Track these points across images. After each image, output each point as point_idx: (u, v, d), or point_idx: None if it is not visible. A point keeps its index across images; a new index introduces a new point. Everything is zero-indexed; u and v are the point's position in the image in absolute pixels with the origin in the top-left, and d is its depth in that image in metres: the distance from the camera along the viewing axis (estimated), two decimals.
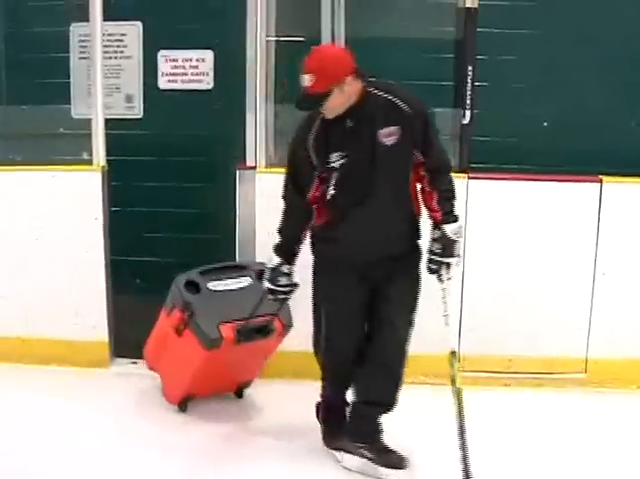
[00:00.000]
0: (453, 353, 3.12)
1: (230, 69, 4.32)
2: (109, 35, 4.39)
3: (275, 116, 4.31)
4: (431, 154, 3.14)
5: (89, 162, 4.23)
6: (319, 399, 3.45)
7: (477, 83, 4.11)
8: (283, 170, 3.24)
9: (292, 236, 3.27)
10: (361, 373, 3.27)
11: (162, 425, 3.66)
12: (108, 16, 4.21)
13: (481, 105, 4.14)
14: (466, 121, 4.10)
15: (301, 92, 3.01)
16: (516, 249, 4.07)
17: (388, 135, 3.09)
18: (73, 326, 4.22)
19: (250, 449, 3.50)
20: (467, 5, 4.09)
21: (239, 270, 3.78)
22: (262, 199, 4.08)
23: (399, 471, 3.20)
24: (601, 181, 4.04)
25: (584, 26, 4.25)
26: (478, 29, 4.12)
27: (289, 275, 3.27)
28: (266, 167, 4.19)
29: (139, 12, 4.39)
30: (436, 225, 3.13)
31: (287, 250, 3.27)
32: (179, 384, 3.74)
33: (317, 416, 3.47)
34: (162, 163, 4.40)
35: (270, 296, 3.34)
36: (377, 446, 3.26)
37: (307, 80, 2.98)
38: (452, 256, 3.10)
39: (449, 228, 3.10)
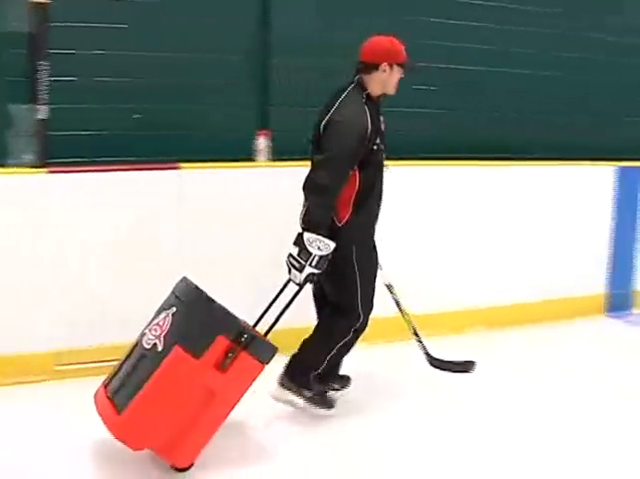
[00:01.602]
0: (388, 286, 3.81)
1: None
2: None
3: None
4: None
5: None
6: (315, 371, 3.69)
7: (58, 78, 4.11)
8: None
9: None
10: None
11: None
12: None
13: (67, 100, 4.14)
14: (42, 116, 4.09)
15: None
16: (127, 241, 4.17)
17: (383, 121, 3.62)
18: None
19: None
20: (38, 0, 4.07)
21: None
22: None
23: None
24: (179, 168, 4.23)
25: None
26: (58, 24, 4.10)
27: None
28: None
29: None
30: None
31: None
32: (211, 431, 3.18)
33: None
34: None
35: (304, 283, 3.45)
36: None
37: None
38: None
39: None
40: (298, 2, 4.71)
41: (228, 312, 3.17)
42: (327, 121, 3.48)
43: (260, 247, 4.33)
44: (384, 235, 3.87)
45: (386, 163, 3.70)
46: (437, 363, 3.86)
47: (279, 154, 4.53)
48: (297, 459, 3.39)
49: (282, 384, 3.67)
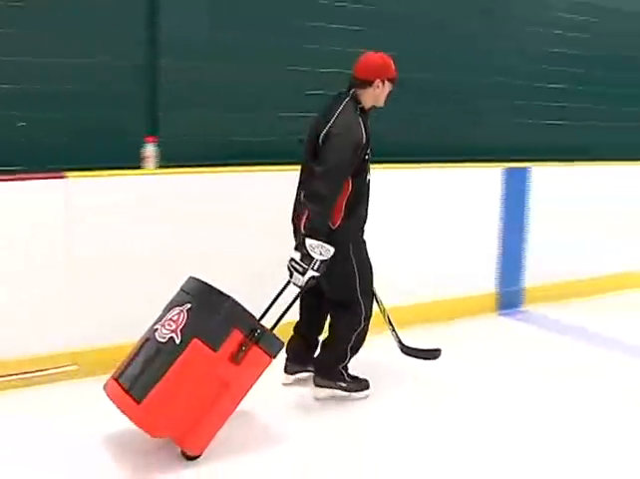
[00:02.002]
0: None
1: None
2: None
3: None
4: None
5: None
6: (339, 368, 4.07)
7: None
8: None
9: None
10: None
11: None
12: None
13: None
14: None
15: None
16: None
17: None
18: None
19: None
20: None
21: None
22: None
23: None
24: (65, 177, 4.13)
25: None
26: None
27: None
28: None
29: None
30: None
31: None
32: (222, 420, 3.40)
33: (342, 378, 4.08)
34: None
35: (306, 285, 3.69)
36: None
37: None
38: None
39: None
40: (188, 3, 4.68)
41: (242, 308, 3.40)
42: (326, 133, 3.77)
43: (151, 255, 4.31)
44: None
45: None
46: (408, 351, 4.24)
47: (168, 160, 4.50)
48: (298, 448, 3.59)
49: (318, 385, 4.07)
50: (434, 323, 5.26)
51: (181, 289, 3.57)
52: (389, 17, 5.32)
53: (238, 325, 3.35)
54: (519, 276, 5.86)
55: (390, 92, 3.99)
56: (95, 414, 3.61)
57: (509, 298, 5.78)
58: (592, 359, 4.96)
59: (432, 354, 4.28)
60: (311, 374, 4.21)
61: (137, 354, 3.44)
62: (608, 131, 6.53)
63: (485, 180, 5.63)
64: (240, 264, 4.48)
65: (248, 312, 3.43)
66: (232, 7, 4.81)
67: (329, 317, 4.16)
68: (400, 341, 4.26)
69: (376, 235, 4.77)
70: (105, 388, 3.46)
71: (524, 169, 5.77)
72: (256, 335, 3.37)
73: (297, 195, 4.00)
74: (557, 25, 6.24)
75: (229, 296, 3.39)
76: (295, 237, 3.93)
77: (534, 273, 5.87)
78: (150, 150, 4.44)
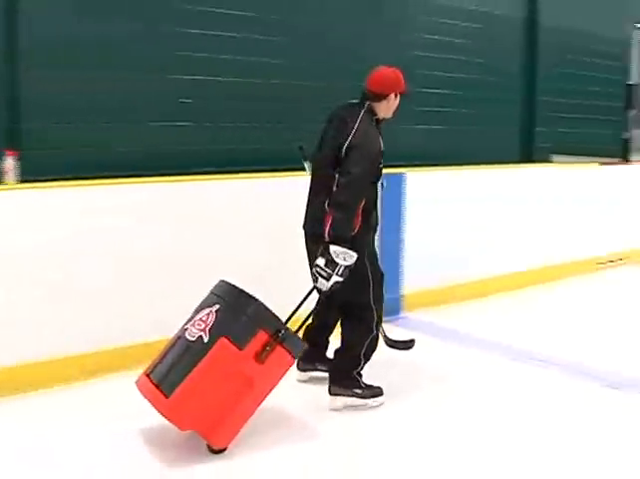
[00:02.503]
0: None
1: None
2: None
3: None
4: None
5: None
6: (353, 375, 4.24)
7: None
8: None
9: None
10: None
11: None
12: None
13: None
14: None
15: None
16: None
17: None
18: None
19: None
20: None
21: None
22: None
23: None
24: None
25: None
26: None
27: None
28: None
29: None
30: None
31: None
32: (246, 416, 3.61)
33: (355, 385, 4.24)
34: None
35: (330, 290, 3.86)
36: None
37: None
38: None
39: None
40: (49, 9, 4.49)
41: (268, 310, 3.62)
42: (349, 145, 3.98)
43: (21, 270, 4.29)
44: None
45: None
46: (391, 343, 4.53)
47: (29, 174, 4.30)
48: (309, 448, 3.81)
49: (334, 393, 4.22)
50: None
51: (212, 292, 3.76)
52: (266, 24, 5.24)
53: (264, 326, 3.56)
54: (398, 284, 5.75)
55: (399, 104, 4.23)
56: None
57: (390, 305, 5.74)
58: (473, 362, 5.17)
59: (407, 345, 4.56)
60: (323, 374, 4.41)
61: (168, 352, 3.67)
62: (485, 135, 6.63)
63: None
64: None
65: (274, 315, 3.62)
66: (99, 13, 4.65)
67: (340, 326, 4.33)
68: (385, 335, 4.48)
69: (255, 244, 4.72)
70: (137, 383, 3.68)
71: (400, 175, 5.76)
72: (281, 336, 3.56)
73: (309, 202, 4.20)
74: (434, 30, 6.27)
75: (256, 299, 3.61)
76: (306, 243, 4.17)
77: (413, 280, 5.78)
78: (9, 163, 4.24)
